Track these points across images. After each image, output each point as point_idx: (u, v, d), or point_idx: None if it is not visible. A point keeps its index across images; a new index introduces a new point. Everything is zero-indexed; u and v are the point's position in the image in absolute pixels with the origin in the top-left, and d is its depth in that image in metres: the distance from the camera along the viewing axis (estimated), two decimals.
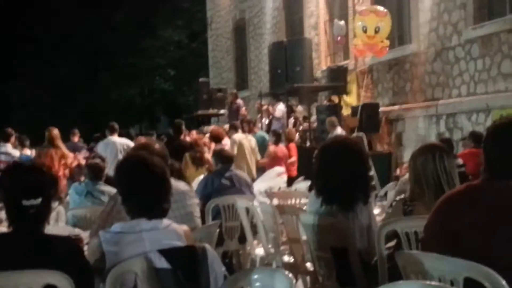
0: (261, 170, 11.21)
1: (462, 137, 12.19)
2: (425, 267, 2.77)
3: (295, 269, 5.06)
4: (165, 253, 3.16)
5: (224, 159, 7.05)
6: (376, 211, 5.23)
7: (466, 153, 9.15)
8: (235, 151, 11.14)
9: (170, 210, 3.46)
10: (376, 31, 14.03)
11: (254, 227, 6.24)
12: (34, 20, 32.01)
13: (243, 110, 16.67)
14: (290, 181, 10.41)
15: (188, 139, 12.60)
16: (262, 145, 12.42)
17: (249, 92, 21.86)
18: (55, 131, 10.68)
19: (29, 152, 12.10)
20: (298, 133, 14.50)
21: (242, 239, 6.49)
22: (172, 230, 3.33)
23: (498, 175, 2.92)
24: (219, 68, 25.51)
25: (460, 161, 7.17)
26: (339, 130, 12.71)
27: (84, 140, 14.98)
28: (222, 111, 18.32)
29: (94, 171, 6.73)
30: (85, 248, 3.78)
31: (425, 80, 13.95)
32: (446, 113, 13.14)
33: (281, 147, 12.09)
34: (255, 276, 2.77)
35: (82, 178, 7.66)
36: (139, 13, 32.71)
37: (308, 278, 4.95)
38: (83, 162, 10.49)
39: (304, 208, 5.15)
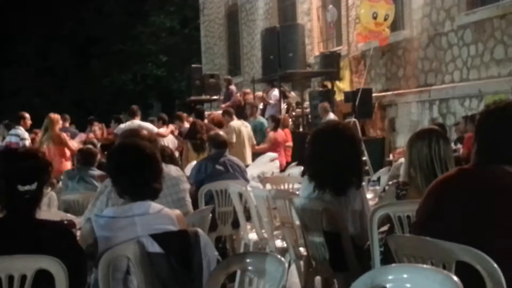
0: (258, 156, 11.19)
1: (455, 122, 12.23)
2: (417, 251, 2.77)
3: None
4: (158, 237, 3.16)
5: (218, 144, 7.02)
6: (369, 195, 5.24)
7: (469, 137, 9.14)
8: (234, 138, 11.11)
9: (163, 195, 3.46)
10: (386, 18, 13.98)
11: (247, 212, 6.24)
12: (25, 7, 31.81)
13: (236, 96, 16.64)
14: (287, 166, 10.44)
15: (186, 124, 12.57)
16: (260, 131, 12.40)
17: (241, 78, 21.82)
18: (53, 118, 10.60)
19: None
20: (291, 119, 14.49)
21: (236, 224, 6.49)
22: (164, 215, 3.33)
23: (489, 160, 2.92)
24: (211, 54, 25.43)
25: (453, 146, 7.18)
26: (331, 116, 12.71)
27: (76, 126, 14.91)
28: (215, 97, 18.27)
29: (86, 157, 6.72)
30: (78, 233, 3.77)
31: (418, 66, 13.95)
32: (439, 98, 13.16)
33: (280, 132, 12.07)
34: (248, 260, 2.77)
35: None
36: None
37: (301, 262, 4.95)
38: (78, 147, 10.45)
39: (297, 193, 5.16)
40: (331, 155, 4.48)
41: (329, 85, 15.44)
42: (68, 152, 10.26)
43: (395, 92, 14.56)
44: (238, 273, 2.73)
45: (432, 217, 2.97)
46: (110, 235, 3.18)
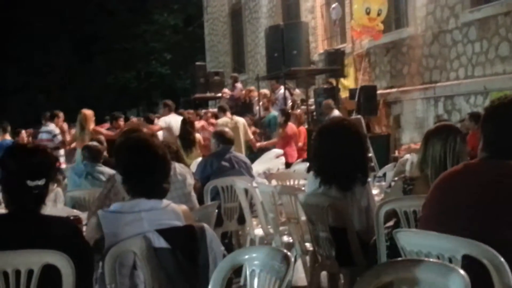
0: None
1: (460, 119, 12.21)
2: (423, 245, 2.77)
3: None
4: (164, 232, 3.16)
5: (224, 140, 7.02)
6: (374, 191, 5.24)
7: (472, 135, 9.13)
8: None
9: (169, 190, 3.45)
10: (379, 13, 13.98)
11: (252, 208, 6.25)
12: (28, 4, 31.84)
13: (240, 93, 16.66)
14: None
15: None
16: (274, 125, 12.38)
17: (246, 76, 21.83)
18: (86, 113, 10.58)
19: (9, 138, 12.12)
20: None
21: (241, 220, 6.50)
22: (171, 210, 3.33)
23: (495, 155, 2.92)
24: (215, 52, 25.44)
25: None
26: (336, 113, 12.70)
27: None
28: (219, 94, 18.28)
29: (93, 153, 6.73)
30: (84, 229, 3.78)
31: (422, 63, 13.93)
32: (444, 95, 13.14)
33: (291, 126, 12.05)
34: (254, 255, 2.77)
35: None
36: None
37: (307, 257, 4.96)
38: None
39: (303, 189, 5.16)
40: (337, 151, 4.49)
41: (333, 82, 15.43)
42: None
43: (400, 89, 14.55)
44: (244, 267, 2.74)
45: (438, 211, 2.98)
46: (117, 230, 3.18)
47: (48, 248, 2.89)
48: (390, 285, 2.28)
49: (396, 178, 4.62)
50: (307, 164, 7.94)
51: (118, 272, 3.09)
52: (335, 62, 15.50)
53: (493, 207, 2.81)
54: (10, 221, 3.06)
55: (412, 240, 2.86)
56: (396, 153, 13.09)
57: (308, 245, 4.91)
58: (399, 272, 2.27)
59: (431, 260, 2.60)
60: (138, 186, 3.28)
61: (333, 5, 16.05)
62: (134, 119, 13.08)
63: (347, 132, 4.56)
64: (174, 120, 11.23)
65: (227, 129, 7.54)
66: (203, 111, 14.95)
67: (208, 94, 18.55)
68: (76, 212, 4.56)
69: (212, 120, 12.81)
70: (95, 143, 7.23)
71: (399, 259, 2.71)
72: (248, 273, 2.68)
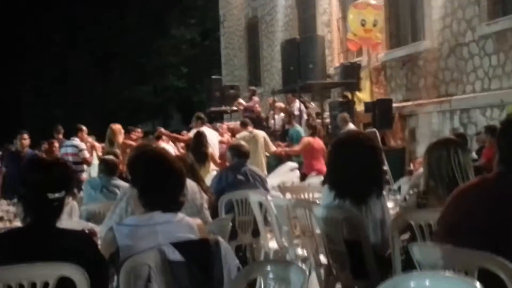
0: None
1: (476, 132, 12.15)
2: (439, 259, 2.76)
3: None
4: (179, 246, 3.16)
5: (240, 154, 7.04)
6: (389, 204, 5.21)
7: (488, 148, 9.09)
8: None
9: None
10: (374, 24, 14.00)
11: (267, 221, 6.24)
12: (46, 20, 32.14)
13: (256, 107, 16.68)
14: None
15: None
16: (297, 139, 12.38)
17: (261, 89, 21.86)
18: (115, 128, 10.61)
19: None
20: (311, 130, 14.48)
21: (256, 233, 6.49)
22: (185, 223, 3.34)
23: (511, 169, 2.91)
24: (231, 65, 25.53)
25: (474, 155, 7.12)
26: (351, 126, 12.68)
27: (97, 138, 14.99)
28: (234, 108, 18.30)
29: (109, 166, 6.75)
30: (99, 241, 3.79)
31: (438, 76, 13.90)
32: (460, 108, 13.09)
33: (318, 140, 12.05)
34: (269, 268, 2.77)
35: None
36: (152, 11, 32.78)
37: (322, 270, 4.94)
38: None
39: (317, 202, 5.15)
40: (352, 165, 4.49)
41: (349, 95, 15.42)
42: None
43: (416, 102, 14.50)
44: (259, 281, 2.73)
45: (454, 226, 2.96)
46: (132, 244, 3.18)
47: (63, 261, 2.91)
48: None
49: (411, 192, 4.61)
50: (322, 177, 7.93)
51: (133, 285, 3.09)
52: (351, 75, 15.50)
53: (509, 222, 2.79)
54: (27, 234, 3.08)
55: (428, 253, 2.85)
56: (411, 166, 13.02)
57: (322, 258, 4.90)
58: (415, 285, 2.26)
59: (447, 273, 2.58)
60: (155, 200, 3.29)
61: None
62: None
63: (362, 145, 4.56)
64: (207, 133, 11.27)
65: (243, 143, 7.55)
66: (218, 124, 14.95)
67: (223, 108, 18.59)
68: (91, 225, 4.57)
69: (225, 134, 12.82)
70: (111, 156, 7.25)
71: (415, 272, 2.69)
72: (262, 286, 2.68)
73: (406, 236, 3.88)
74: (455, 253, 2.72)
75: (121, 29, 32.97)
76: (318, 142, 11.99)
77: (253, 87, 18.97)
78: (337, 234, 4.41)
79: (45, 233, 3.07)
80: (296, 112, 14.94)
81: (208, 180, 7.52)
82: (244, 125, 11.96)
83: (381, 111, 13.83)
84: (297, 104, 15.19)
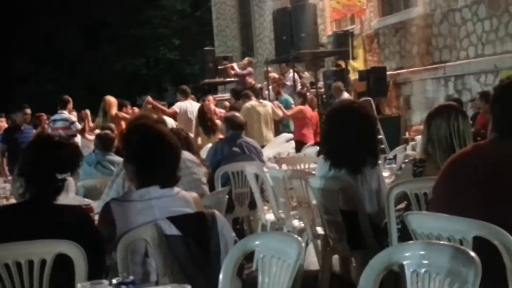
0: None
1: (471, 98, 12.16)
2: (434, 228, 2.77)
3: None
4: (175, 220, 3.17)
5: (235, 125, 6.99)
6: (385, 173, 5.23)
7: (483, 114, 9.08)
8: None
9: None
10: None
11: (263, 193, 6.25)
12: None
13: (247, 79, 16.60)
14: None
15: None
16: (286, 107, 12.37)
17: (255, 60, 21.73)
18: (109, 99, 10.51)
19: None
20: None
21: (252, 205, 6.50)
22: (181, 197, 3.34)
23: (505, 135, 2.91)
24: (224, 36, 25.38)
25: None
26: (346, 95, 12.66)
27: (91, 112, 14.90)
28: (228, 79, 18.22)
29: (104, 142, 6.73)
30: (96, 217, 3.80)
31: (432, 43, 13.85)
32: (454, 75, 13.07)
33: (309, 108, 12.04)
34: (265, 240, 2.78)
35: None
36: None
37: (319, 241, 4.97)
38: None
39: (313, 173, 5.16)
40: (347, 134, 4.49)
41: (342, 64, 15.38)
42: None
43: (410, 69, 14.48)
44: (256, 253, 2.74)
45: (449, 193, 2.97)
46: (128, 219, 3.19)
47: (60, 236, 2.93)
48: (401, 268, 2.29)
49: (406, 160, 4.62)
50: (318, 147, 7.94)
51: (130, 260, 3.10)
52: (344, 43, 15.44)
53: (504, 187, 2.80)
54: (24, 210, 3.10)
55: (422, 222, 2.86)
56: (407, 135, 13.07)
57: (319, 229, 4.92)
58: (410, 255, 2.27)
59: (441, 242, 2.60)
60: (155, 176, 3.29)
61: None
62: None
63: (356, 114, 4.56)
64: (190, 106, 11.23)
65: (237, 114, 7.51)
66: (210, 96, 14.86)
67: (217, 79, 18.51)
68: (87, 201, 4.58)
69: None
70: (106, 131, 7.23)
71: (410, 241, 2.71)
72: (259, 258, 2.69)
73: (402, 205, 3.90)
74: (450, 221, 2.73)
75: (110, 0, 32.60)
76: (309, 110, 12.00)
77: (250, 58, 18.84)
78: (333, 205, 4.43)
79: (44, 209, 3.09)
80: (289, 83, 14.89)
81: (203, 153, 7.52)
82: (247, 97, 11.92)
83: (375, 79, 13.82)
84: (291, 74, 15.14)
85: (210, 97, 12.19)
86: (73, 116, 11.43)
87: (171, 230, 3.14)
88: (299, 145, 10.50)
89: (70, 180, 4.98)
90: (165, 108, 11.86)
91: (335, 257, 5.07)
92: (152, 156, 3.30)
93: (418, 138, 7.70)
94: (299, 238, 2.61)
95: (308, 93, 14.15)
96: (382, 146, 11.53)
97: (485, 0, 12.17)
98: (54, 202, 3.15)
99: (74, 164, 3.23)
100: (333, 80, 13.83)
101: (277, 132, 11.60)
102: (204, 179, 5.40)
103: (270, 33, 18.96)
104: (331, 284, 4.70)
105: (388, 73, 14.46)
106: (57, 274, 2.90)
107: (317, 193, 4.60)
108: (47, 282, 2.89)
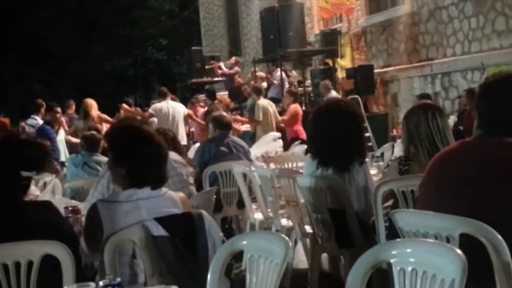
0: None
1: (458, 95, 12.20)
2: (421, 225, 2.77)
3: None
4: (162, 220, 3.16)
5: (222, 125, 6.99)
6: (372, 171, 5.24)
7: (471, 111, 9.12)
8: (261, 117, 11.31)
9: None
10: None
11: (251, 192, 6.25)
12: None
13: (237, 78, 16.60)
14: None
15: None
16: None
17: (242, 59, 21.75)
18: (90, 101, 10.45)
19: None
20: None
21: (241, 205, 6.50)
22: (168, 197, 3.33)
23: (490, 132, 2.91)
24: (211, 36, 25.36)
25: (454, 118, 7.14)
26: (333, 93, 12.68)
27: (78, 112, 14.87)
28: (216, 79, 18.21)
29: (90, 143, 6.71)
30: (83, 219, 3.78)
31: (419, 41, 13.90)
32: (441, 72, 13.12)
33: (298, 106, 12.07)
34: (252, 240, 2.78)
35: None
36: None
37: (307, 240, 4.97)
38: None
39: (301, 171, 5.16)
40: (334, 132, 4.50)
41: (330, 62, 15.39)
42: None
43: (397, 67, 14.52)
44: (244, 252, 2.74)
45: (435, 191, 2.98)
46: (116, 220, 3.18)
47: (29, 233, 2.94)
48: (388, 266, 2.30)
49: (392, 158, 4.62)
50: (305, 146, 7.94)
51: (118, 261, 3.09)
52: (331, 42, 15.47)
53: (490, 183, 2.81)
54: None
55: (409, 220, 2.86)
56: (394, 132, 13.10)
57: (307, 227, 4.92)
58: (397, 253, 2.27)
59: (428, 240, 2.61)
60: (143, 177, 3.27)
61: None
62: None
63: (343, 113, 4.57)
64: (165, 106, 11.19)
65: (224, 114, 7.50)
66: (194, 98, 14.82)
67: (205, 79, 18.48)
68: (74, 202, 4.55)
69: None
70: (92, 132, 7.21)
71: (398, 240, 2.71)
72: (247, 258, 2.69)
73: (389, 203, 3.90)
74: (436, 219, 2.74)
75: (99, 1, 32.52)
76: (299, 108, 12.04)
77: (237, 57, 18.83)
78: (321, 203, 4.43)
79: (14, 207, 3.09)
80: (276, 82, 14.89)
81: (191, 153, 7.51)
82: (257, 93, 11.92)
83: (362, 77, 13.86)
84: (278, 73, 15.14)
85: (223, 98, 12.28)
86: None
87: (159, 231, 3.13)
88: (295, 141, 10.49)
89: (57, 181, 4.98)
90: (139, 113, 11.84)
91: (324, 255, 5.08)
92: (143, 157, 3.28)
93: None
94: (286, 238, 2.61)
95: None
96: (370, 143, 11.56)
97: None
98: (23, 200, 3.16)
99: (40, 162, 3.21)
100: (320, 79, 13.84)
101: None
102: (191, 180, 5.39)
103: (258, 32, 18.96)
104: (320, 282, 4.70)
105: (375, 71, 14.50)
106: (44, 276, 2.89)
107: (305, 192, 4.60)
108: (35, 284, 2.88)
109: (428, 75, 13.51)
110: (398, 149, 7.03)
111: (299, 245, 5.38)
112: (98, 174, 5.70)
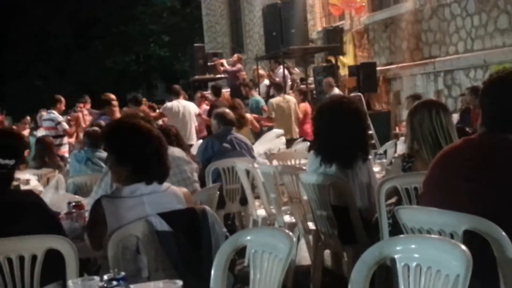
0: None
1: (460, 93, 12.19)
2: (425, 222, 2.78)
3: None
4: (166, 216, 3.17)
5: (226, 121, 6.98)
6: (375, 169, 5.24)
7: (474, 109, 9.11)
8: (273, 114, 11.49)
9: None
10: None
11: (255, 189, 6.25)
12: None
13: (241, 74, 16.59)
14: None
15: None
16: (256, 109, 12.32)
17: (245, 56, 21.74)
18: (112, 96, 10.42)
19: None
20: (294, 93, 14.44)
21: (244, 201, 6.50)
22: (171, 193, 3.34)
23: (494, 129, 2.91)
24: (214, 32, 25.34)
25: (458, 117, 7.13)
26: (336, 91, 12.67)
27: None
28: (218, 75, 18.19)
29: (93, 139, 6.71)
30: (86, 214, 3.79)
31: (421, 38, 13.88)
32: (443, 70, 13.10)
33: (308, 105, 12.17)
34: (256, 235, 2.78)
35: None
36: None
37: (310, 237, 4.98)
38: None
39: (304, 168, 5.17)
40: (337, 130, 4.50)
41: (332, 60, 15.38)
42: None
43: (400, 65, 14.50)
44: (247, 248, 2.74)
45: (439, 187, 2.98)
46: (120, 215, 3.19)
47: (15, 222, 3.05)
48: (392, 262, 2.30)
49: (395, 155, 4.62)
50: (308, 143, 7.95)
51: (121, 256, 3.10)
52: (333, 39, 15.47)
53: (494, 180, 2.81)
54: None
55: (413, 216, 2.87)
56: (397, 130, 13.09)
57: (310, 224, 4.92)
58: (401, 249, 2.28)
59: (432, 236, 2.61)
60: (149, 174, 3.27)
61: None
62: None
63: (346, 110, 4.56)
64: (176, 105, 11.17)
65: (227, 110, 7.49)
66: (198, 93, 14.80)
67: (207, 76, 18.47)
68: (78, 198, 4.56)
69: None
70: (95, 128, 7.20)
71: (401, 235, 2.72)
72: (251, 254, 2.69)
73: (393, 200, 3.90)
74: (440, 215, 2.74)
75: None
76: (309, 107, 12.09)
77: (239, 54, 18.81)
78: (324, 200, 4.43)
79: None
80: (278, 79, 14.88)
81: (194, 149, 7.51)
82: (278, 90, 11.88)
83: (365, 74, 13.84)
84: (281, 70, 15.14)
85: (198, 95, 12.26)
86: (60, 117, 11.35)
87: (162, 226, 3.14)
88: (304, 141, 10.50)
89: (60, 177, 4.98)
90: (149, 114, 11.83)
91: (327, 252, 5.09)
92: (147, 154, 3.28)
93: None
94: (290, 233, 2.61)
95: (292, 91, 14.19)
96: (373, 141, 11.55)
97: None
98: (6, 187, 3.28)
99: (16, 152, 3.33)
100: (323, 76, 13.83)
101: None
102: (195, 176, 5.39)
103: (260, 29, 18.96)
104: (323, 279, 4.71)
105: (378, 68, 14.48)
106: (48, 269, 2.90)
107: (308, 189, 4.60)
108: (38, 277, 2.89)
109: (430, 73, 13.49)
110: (401, 147, 7.02)
111: (302, 241, 5.39)
112: (101, 170, 5.72)
